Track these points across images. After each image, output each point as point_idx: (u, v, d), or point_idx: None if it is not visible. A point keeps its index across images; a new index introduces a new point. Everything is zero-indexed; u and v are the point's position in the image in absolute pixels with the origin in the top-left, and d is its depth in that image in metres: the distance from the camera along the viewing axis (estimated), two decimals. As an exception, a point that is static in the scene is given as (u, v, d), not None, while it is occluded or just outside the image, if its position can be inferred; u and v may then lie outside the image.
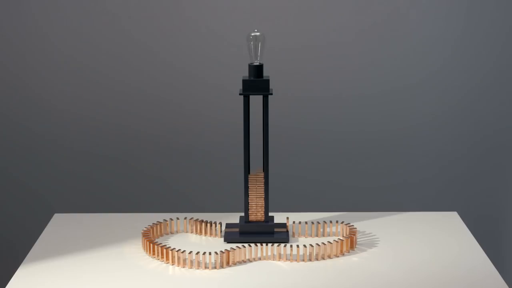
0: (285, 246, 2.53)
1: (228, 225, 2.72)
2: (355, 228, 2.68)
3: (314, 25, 3.99)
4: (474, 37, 3.96)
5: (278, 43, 3.91)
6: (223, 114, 4.06)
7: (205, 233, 2.72)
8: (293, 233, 2.71)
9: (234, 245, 2.52)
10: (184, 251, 2.46)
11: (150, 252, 2.53)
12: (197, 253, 2.45)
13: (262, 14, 3.96)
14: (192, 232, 2.75)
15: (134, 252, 2.57)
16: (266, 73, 2.62)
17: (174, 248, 2.48)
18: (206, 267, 2.43)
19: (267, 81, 2.57)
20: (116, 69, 4.02)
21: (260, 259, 2.51)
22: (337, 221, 2.75)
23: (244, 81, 2.57)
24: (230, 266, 2.46)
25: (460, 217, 2.89)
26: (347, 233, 2.66)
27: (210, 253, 2.45)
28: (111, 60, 4.01)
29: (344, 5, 3.97)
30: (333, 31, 3.99)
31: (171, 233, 2.75)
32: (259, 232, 2.64)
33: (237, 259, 2.48)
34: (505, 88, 3.95)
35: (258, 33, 2.59)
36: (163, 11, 3.97)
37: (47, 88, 4.03)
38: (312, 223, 2.75)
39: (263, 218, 2.67)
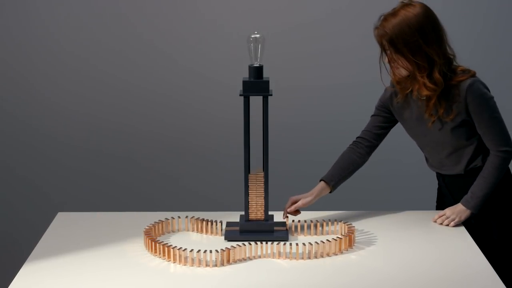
0: (284, 244, 2.56)
1: (229, 224, 2.75)
2: (353, 226, 2.71)
3: (313, 26, 4.01)
4: (469, 35, 3.99)
5: (278, 44, 3.94)
6: (223, 115, 4.08)
7: (206, 231, 2.75)
8: (293, 231, 2.74)
9: (234, 243, 2.55)
10: (185, 249, 2.49)
11: (151, 250, 2.56)
12: (198, 251, 2.48)
13: (263, 16, 3.98)
14: (193, 231, 2.78)
15: (136, 250, 2.60)
16: (266, 74, 2.64)
17: (175, 246, 2.51)
18: (207, 265, 2.46)
19: (267, 82, 2.59)
20: (122, 70, 4.05)
21: (260, 257, 2.54)
22: (335, 220, 2.79)
23: (244, 82, 2.59)
24: (231, 264, 2.49)
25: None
26: (346, 232, 2.70)
27: (210, 251, 2.48)
28: (117, 61, 4.04)
29: (343, 7, 4.00)
30: (333, 32, 4.01)
31: (173, 231, 2.78)
32: (259, 230, 2.67)
33: (237, 257, 2.51)
34: (500, 85, 3.97)
35: (258, 35, 2.60)
36: (167, 14, 4.00)
37: (53, 88, 4.06)
38: (311, 221, 2.79)
39: (263, 217, 2.70)
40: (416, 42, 2.64)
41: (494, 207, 2.80)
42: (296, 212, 2.82)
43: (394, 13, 2.68)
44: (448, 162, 2.83)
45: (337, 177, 2.88)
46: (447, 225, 2.79)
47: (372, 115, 2.95)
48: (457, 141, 2.78)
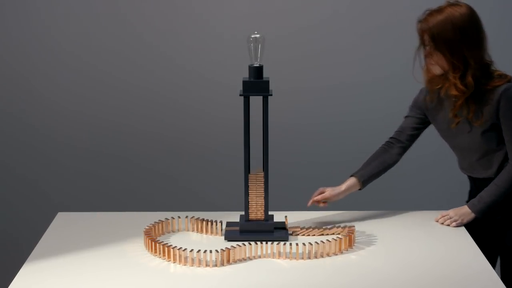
0: (284, 244, 2.56)
1: (229, 224, 2.75)
2: (354, 226, 2.71)
3: (313, 26, 4.01)
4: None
5: (278, 45, 3.94)
6: (223, 115, 4.08)
7: (206, 231, 2.75)
8: (293, 231, 2.75)
9: (234, 243, 2.55)
10: (185, 249, 2.49)
11: (151, 250, 2.56)
12: (198, 251, 2.48)
13: (262, 16, 3.99)
14: (193, 231, 2.78)
15: (136, 250, 2.60)
16: (266, 74, 2.64)
17: (175, 246, 2.51)
18: (207, 265, 2.46)
19: (267, 82, 2.59)
20: (122, 70, 4.04)
21: (260, 257, 2.54)
22: (336, 220, 2.79)
23: (244, 82, 2.59)
24: (231, 264, 2.49)
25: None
26: (346, 232, 2.70)
27: (210, 251, 2.48)
28: (117, 61, 4.03)
29: (343, 7, 4.00)
30: (333, 32, 4.01)
31: (173, 231, 2.78)
32: (259, 230, 2.67)
33: (237, 257, 2.51)
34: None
35: (258, 35, 2.60)
36: (166, 15, 4.00)
37: (53, 88, 4.06)
38: (311, 221, 2.79)
39: (263, 217, 2.70)
40: (457, 42, 2.64)
41: (510, 215, 2.78)
42: (323, 203, 2.82)
43: (440, 9, 2.67)
44: (479, 166, 2.80)
45: (367, 174, 2.88)
46: (448, 225, 2.78)
47: (406, 116, 2.93)
48: (487, 145, 2.75)
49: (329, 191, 2.82)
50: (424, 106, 2.86)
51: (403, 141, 2.91)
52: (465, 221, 2.77)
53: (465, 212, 2.77)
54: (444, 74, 2.70)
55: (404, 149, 2.93)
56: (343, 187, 2.85)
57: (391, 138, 2.94)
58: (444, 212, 2.83)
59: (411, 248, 2.60)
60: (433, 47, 2.67)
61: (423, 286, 2.32)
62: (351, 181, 2.86)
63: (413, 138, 2.92)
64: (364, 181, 2.87)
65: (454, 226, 2.77)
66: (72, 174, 4.13)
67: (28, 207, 4.15)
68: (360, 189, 2.89)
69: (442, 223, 2.80)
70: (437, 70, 2.71)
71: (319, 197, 2.81)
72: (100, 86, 4.06)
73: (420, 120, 2.89)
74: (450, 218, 2.79)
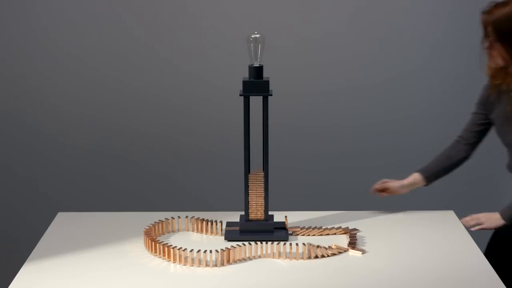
0: (284, 244, 2.56)
1: (229, 224, 2.75)
2: (354, 227, 2.71)
3: (313, 26, 4.01)
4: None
5: (278, 44, 3.94)
6: (223, 115, 4.08)
7: (206, 231, 2.75)
8: (293, 231, 2.75)
9: (234, 243, 2.55)
10: (185, 249, 2.50)
11: (152, 250, 2.56)
12: (198, 251, 2.48)
13: (263, 16, 3.99)
14: (193, 231, 2.78)
15: (136, 250, 2.60)
16: (266, 74, 2.64)
17: (175, 246, 2.51)
18: (207, 265, 2.46)
19: (267, 82, 2.60)
20: (121, 71, 4.04)
21: (260, 257, 2.54)
22: (336, 221, 2.79)
23: (244, 82, 2.59)
24: (231, 264, 2.49)
25: (457, 215, 2.92)
26: (346, 232, 2.70)
27: (211, 251, 2.48)
28: (116, 63, 4.03)
29: (343, 8, 4.00)
30: (333, 33, 4.01)
31: (173, 231, 2.78)
32: (259, 230, 2.67)
33: (237, 257, 2.51)
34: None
35: (258, 35, 2.60)
36: (165, 16, 4.00)
37: (53, 89, 4.05)
38: (311, 221, 2.79)
39: (263, 217, 2.70)
40: None
41: None
42: (383, 193, 2.89)
43: (506, 2, 2.65)
44: None
45: (431, 170, 2.90)
46: (469, 226, 2.73)
47: (472, 113, 2.90)
48: None
49: (392, 182, 2.88)
50: (486, 101, 2.82)
51: (469, 138, 2.89)
52: (492, 226, 2.71)
53: (494, 217, 2.72)
54: (505, 67, 2.68)
55: (472, 145, 2.90)
56: (405, 181, 2.89)
57: (458, 136, 2.92)
58: (474, 215, 2.77)
59: (412, 248, 2.60)
60: (496, 39, 2.64)
61: (423, 287, 2.32)
62: (415, 176, 2.90)
63: (479, 134, 2.88)
64: (428, 177, 2.89)
65: (476, 229, 2.70)
66: (72, 174, 4.13)
67: (28, 207, 4.15)
68: (425, 185, 2.90)
69: (471, 226, 2.74)
70: (498, 61, 2.68)
71: (379, 187, 2.86)
72: (100, 87, 4.06)
73: (484, 116, 2.85)
74: (478, 219, 2.74)
